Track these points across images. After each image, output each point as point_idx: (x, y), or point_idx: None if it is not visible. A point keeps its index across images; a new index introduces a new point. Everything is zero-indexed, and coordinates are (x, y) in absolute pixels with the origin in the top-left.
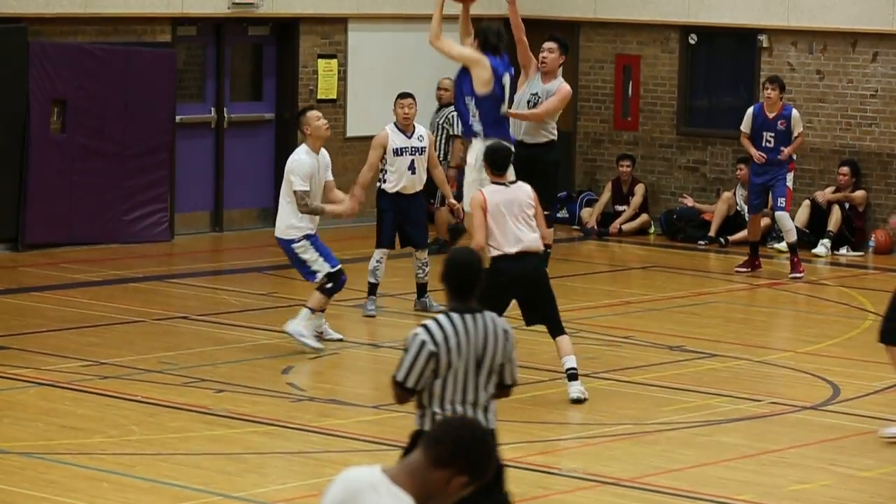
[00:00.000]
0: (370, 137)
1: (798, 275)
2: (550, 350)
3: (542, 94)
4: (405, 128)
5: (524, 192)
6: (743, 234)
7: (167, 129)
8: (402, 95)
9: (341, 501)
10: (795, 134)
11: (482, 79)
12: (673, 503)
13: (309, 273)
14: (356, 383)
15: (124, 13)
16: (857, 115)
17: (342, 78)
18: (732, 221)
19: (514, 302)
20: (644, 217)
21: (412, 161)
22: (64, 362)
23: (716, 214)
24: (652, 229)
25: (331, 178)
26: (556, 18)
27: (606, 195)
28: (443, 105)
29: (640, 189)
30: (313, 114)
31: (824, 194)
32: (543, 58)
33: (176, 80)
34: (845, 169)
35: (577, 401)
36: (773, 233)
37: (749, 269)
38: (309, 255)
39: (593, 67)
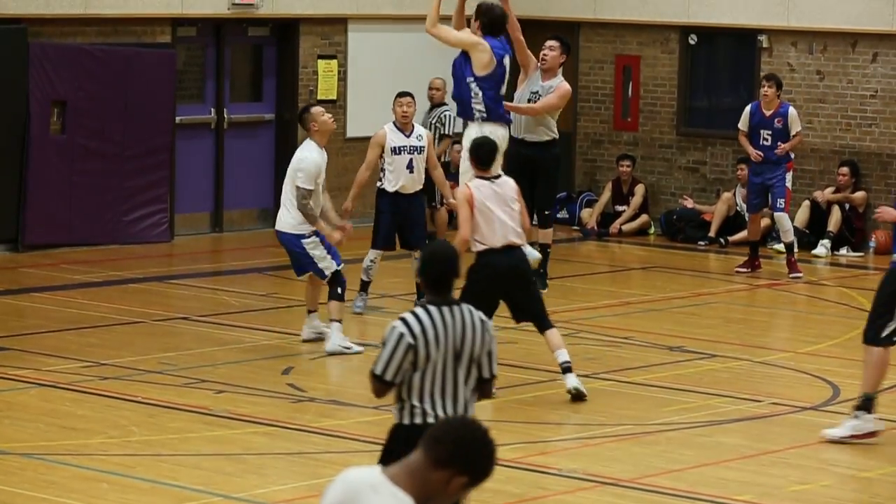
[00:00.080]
0: (370, 138)
1: (797, 275)
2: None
3: (541, 92)
4: (404, 126)
5: (509, 186)
6: (743, 234)
7: (167, 129)
8: (401, 94)
9: (341, 502)
10: (794, 133)
11: (482, 62)
12: (673, 503)
13: (316, 269)
14: (356, 384)
15: (124, 14)
16: (857, 116)
17: (342, 78)
18: (732, 222)
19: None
20: (644, 217)
21: (410, 160)
22: (64, 363)
23: (716, 215)
24: (652, 230)
25: (323, 178)
26: (556, 19)
27: (606, 195)
28: (435, 105)
29: (639, 189)
30: (317, 109)
31: (823, 193)
32: (544, 55)
33: (176, 80)
34: (845, 169)
35: (577, 391)
36: (774, 233)
37: (749, 270)
38: (319, 251)
39: (593, 68)
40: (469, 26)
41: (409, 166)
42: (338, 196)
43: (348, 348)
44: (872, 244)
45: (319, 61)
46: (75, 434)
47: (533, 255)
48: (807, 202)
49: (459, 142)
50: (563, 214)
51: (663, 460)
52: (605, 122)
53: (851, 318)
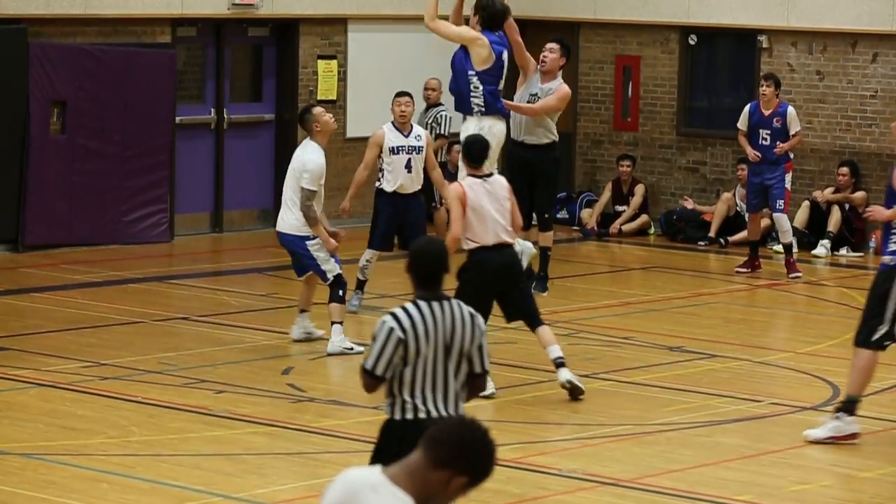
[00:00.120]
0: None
1: (796, 275)
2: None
3: (540, 94)
4: (402, 126)
5: (500, 184)
6: (743, 234)
7: (167, 129)
8: (400, 94)
9: (341, 502)
10: (793, 132)
11: (481, 56)
12: (672, 503)
13: (318, 271)
14: (356, 384)
15: (124, 14)
16: (857, 116)
17: (342, 78)
18: (732, 222)
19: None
20: (644, 218)
21: (409, 160)
22: (64, 363)
23: (715, 215)
24: (652, 230)
25: (323, 179)
26: (556, 19)
27: (606, 195)
28: (431, 105)
29: (639, 189)
30: (319, 110)
31: (823, 194)
32: (544, 57)
33: (176, 80)
34: (845, 170)
35: (571, 384)
36: (773, 233)
37: (749, 270)
38: (323, 253)
39: (593, 68)
40: (468, 22)
41: (408, 166)
42: (337, 196)
43: (350, 349)
44: (872, 244)
45: (319, 61)
46: (75, 434)
47: (528, 248)
48: (807, 202)
49: (457, 142)
50: (563, 214)
51: (663, 460)
52: (605, 122)
53: (851, 319)
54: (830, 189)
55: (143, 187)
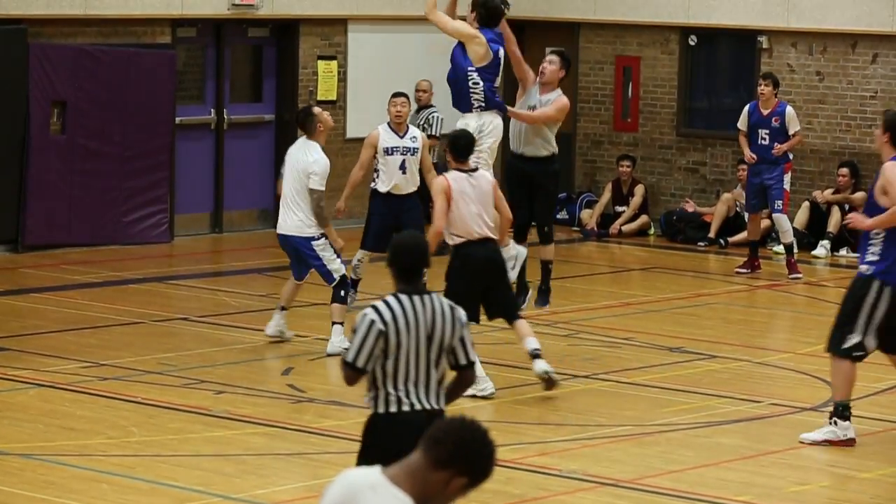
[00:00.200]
0: None
1: (796, 276)
2: (551, 352)
3: (538, 105)
4: (398, 127)
5: (486, 179)
6: (743, 235)
7: (167, 130)
8: (396, 94)
9: (340, 502)
10: (792, 132)
11: (478, 54)
12: None
13: (324, 271)
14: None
15: (124, 15)
16: (857, 117)
17: (342, 79)
18: (732, 223)
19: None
20: (644, 218)
21: (403, 161)
22: (63, 363)
23: (715, 216)
24: (652, 230)
25: None
26: (556, 19)
27: (606, 196)
28: (422, 107)
29: (639, 190)
30: (318, 109)
31: (823, 194)
32: (542, 69)
33: (176, 81)
34: (845, 170)
35: (547, 375)
36: (773, 234)
37: (749, 271)
38: (328, 252)
39: (593, 69)
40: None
41: (402, 167)
42: (336, 197)
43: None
44: None
45: (319, 62)
46: (75, 434)
47: (521, 252)
48: (806, 203)
49: None
50: (563, 215)
51: (663, 461)
52: (605, 122)
53: None
54: (830, 190)
55: (142, 188)
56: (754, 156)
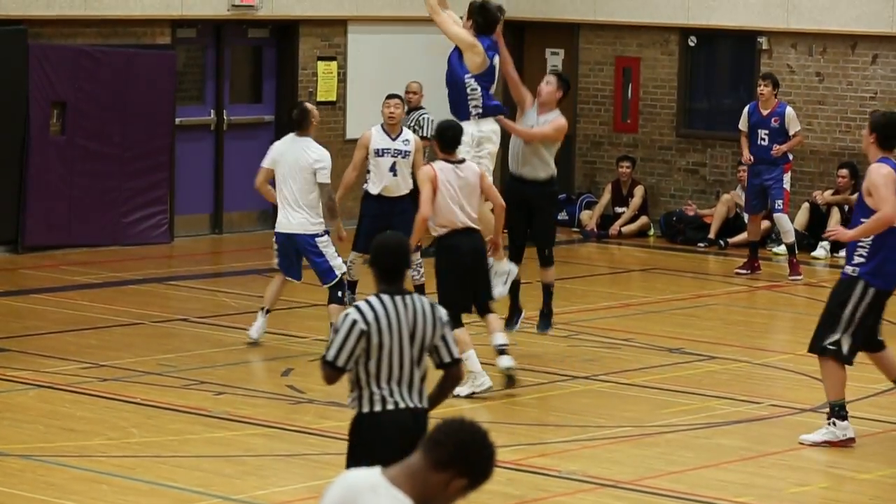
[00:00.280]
0: None
1: (797, 277)
2: (550, 353)
3: (536, 126)
4: (391, 129)
5: (472, 171)
6: (742, 236)
7: (167, 131)
8: (389, 96)
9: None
10: (792, 133)
11: (475, 63)
12: None
13: (325, 268)
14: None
15: (124, 15)
16: (857, 118)
17: (342, 80)
18: (732, 224)
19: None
20: (644, 219)
21: (393, 163)
22: (63, 364)
23: (715, 217)
24: (651, 231)
25: None
26: (556, 20)
27: (606, 197)
28: (412, 108)
29: (639, 191)
30: (311, 106)
31: (823, 195)
32: (539, 89)
33: (175, 82)
34: (844, 171)
35: (510, 371)
36: (773, 235)
37: (749, 271)
38: (331, 249)
39: (593, 69)
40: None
41: (392, 169)
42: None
43: None
44: None
45: (319, 63)
46: (75, 435)
47: (513, 270)
48: (806, 204)
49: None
50: (562, 216)
51: (663, 462)
52: (605, 123)
53: None
54: (830, 191)
55: (142, 188)
56: (751, 157)
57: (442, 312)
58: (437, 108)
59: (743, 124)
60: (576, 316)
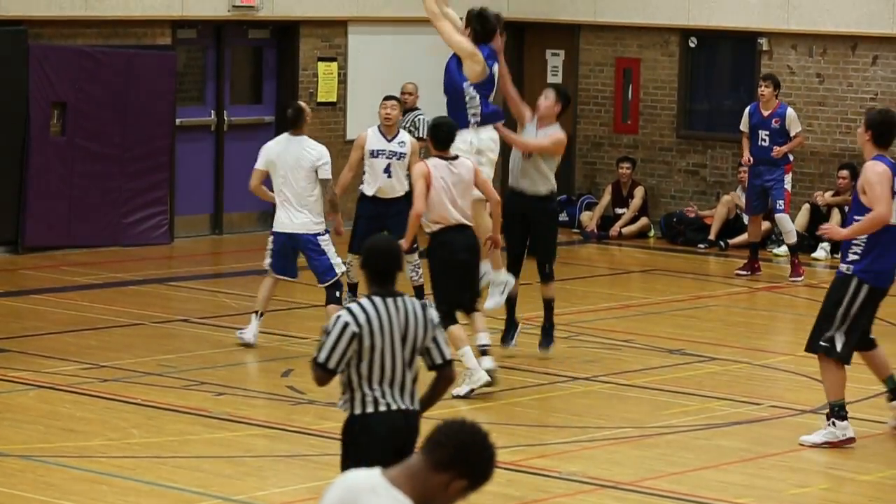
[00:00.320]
0: None
1: (798, 278)
2: (551, 354)
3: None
4: (387, 130)
5: (466, 167)
6: (743, 237)
7: (167, 131)
8: (386, 98)
9: None
10: (793, 134)
11: (475, 71)
12: None
13: (325, 267)
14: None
15: (124, 16)
16: (857, 119)
17: (342, 81)
18: (732, 225)
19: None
20: (644, 220)
21: (388, 165)
22: (63, 365)
23: (715, 218)
24: (652, 232)
25: None
26: (557, 21)
27: (606, 198)
28: (408, 109)
29: (639, 192)
30: (304, 104)
31: (823, 196)
32: (538, 104)
33: (176, 82)
34: (845, 172)
35: (491, 375)
36: (773, 236)
37: (749, 272)
38: (331, 248)
39: (593, 70)
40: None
41: (387, 170)
42: None
43: None
44: None
45: (319, 63)
46: (75, 436)
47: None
48: (807, 205)
49: None
50: (563, 217)
51: (663, 463)
52: (606, 124)
53: None
54: (830, 192)
55: (143, 189)
56: (751, 158)
57: (433, 314)
58: (433, 110)
59: (744, 125)
60: (576, 317)
